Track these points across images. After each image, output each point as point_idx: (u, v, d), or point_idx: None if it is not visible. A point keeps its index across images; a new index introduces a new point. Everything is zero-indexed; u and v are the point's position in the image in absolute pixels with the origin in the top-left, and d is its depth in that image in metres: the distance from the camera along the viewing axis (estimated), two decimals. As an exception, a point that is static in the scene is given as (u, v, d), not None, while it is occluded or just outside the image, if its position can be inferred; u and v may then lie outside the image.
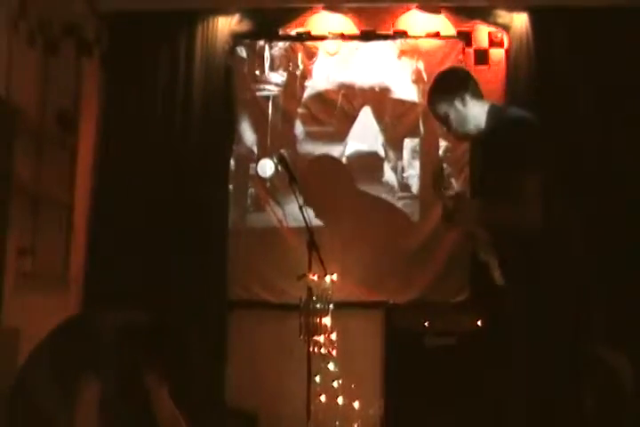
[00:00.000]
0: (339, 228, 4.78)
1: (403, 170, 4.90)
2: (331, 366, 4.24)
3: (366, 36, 4.96)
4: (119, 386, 2.48)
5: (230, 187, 4.90)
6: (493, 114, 3.03)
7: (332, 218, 4.81)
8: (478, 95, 3.09)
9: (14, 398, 2.47)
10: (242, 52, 5.01)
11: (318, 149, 4.94)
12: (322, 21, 4.98)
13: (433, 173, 3.16)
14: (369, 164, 4.92)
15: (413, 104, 4.92)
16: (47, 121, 4.14)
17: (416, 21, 4.94)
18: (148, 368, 2.57)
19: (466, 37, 4.90)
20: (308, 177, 4.72)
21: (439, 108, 3.08)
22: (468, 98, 3.04)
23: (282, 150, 4.79)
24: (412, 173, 4.91)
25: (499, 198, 2.84)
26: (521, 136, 2.87)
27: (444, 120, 3.10)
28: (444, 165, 3.14)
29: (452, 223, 3.12)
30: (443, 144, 4.87)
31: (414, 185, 4.90)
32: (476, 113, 3.04)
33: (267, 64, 5.00)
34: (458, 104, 3.03)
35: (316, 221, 4.35)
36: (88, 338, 2.53)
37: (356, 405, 4.33)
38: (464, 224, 3.07)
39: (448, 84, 3.11)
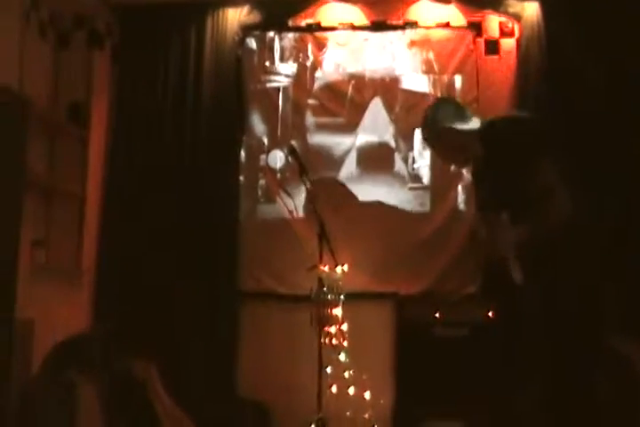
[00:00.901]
0: (350, 219, 4.77)
1: (414, 160, 4.88)
2: (342, 357, 4.22)
3: (376, 26, 4.96)
4: (113, 385, 2.60)
5: (241, 178, 4.92)
6: (484, 126, 3.00)
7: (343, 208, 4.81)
8: (468, 119, 3.04)
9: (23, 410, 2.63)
10: (252, 43, 5.03)
11: (329, 139, 4.93)
12: (332, 12, 4.98)
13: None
14: (379, 154, 4.91)
15: (424, 95, 4.90)
16: (59, 113, 4.18)
17: (426, 11, 4.93)
18: (133, 361, 2.71)
19: (476, 27, 4.89)
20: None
21: (430, 139, 3.11)
22: (457, 125, 3.01)
23: (292, 141, 4.79)
24: (423, 163, 4.89)
25: (514, 203, 2.82)
26: (515, 136, 2.86)
27: (437, 149, 3.15)
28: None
29: (494, 257, 3.03)
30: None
31: (425, 176, 4.89)
32: (468, 135, 3.00)
33: (277, 55, 5.02)
34: (452, 134, 3.01)
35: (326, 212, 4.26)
36: (77, 346, 2.69)
37: (367, 395, 4.31)
38: (507, 252, 2.94)
39: (437, 116, 3.06)
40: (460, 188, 4.82)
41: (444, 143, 3.07)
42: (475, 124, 3.03)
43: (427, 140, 3.17)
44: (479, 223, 3.03)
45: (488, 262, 4.38)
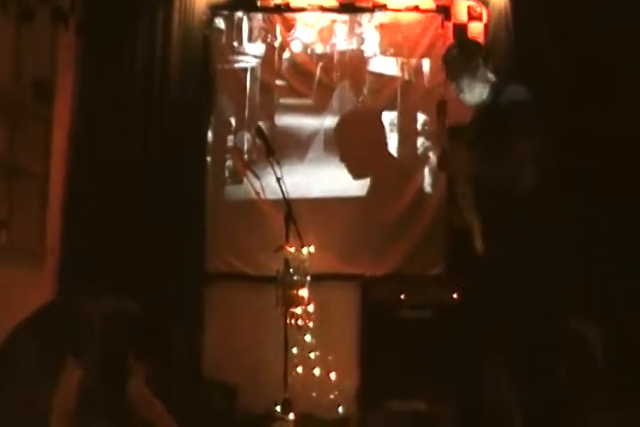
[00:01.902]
0: (316, 201, 4.81)
1: (381, 143, 4.91)
2: (307, 338, 4.24)
3: (345, 8, 4.95)
4: (101, 371, 2.56)
5: (208, 159, 4.89)
6: (497, 89, 2.99)
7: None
8: (490, 69, 3.07)
9: None
10: (220, 23, 4.98)
11: (297, 121, 4.91)
12: (301, -7, 4.93)
13: (437, 107, 3.09)
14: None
15: (392, 77, 4.93)
16: (22, 92, 4.07)
17: (395, -6, 4.90)
18: (133, 355, 2.69)
19: (445, 11, 4.91)
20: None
21: (455, 66, 3.03)
22: (482, 66, 3.01)
23: (260, 122, 4.76)
24: (390, 146, 4.91)
25: (494, 156, 2.83)
26: (519, 113, 2.85)
27: (456, 78, 3.03)
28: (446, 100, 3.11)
29: (446, 170, 3.17)
30: (421, 117, 4.88)
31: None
32: (483, 83, 3.01)
33: (245, 36, 4.97)
34: (473, 67, 3.00)
35: (293, 194, 4.27)
36: (73, 324, 2.61)
37: (333, 376, 4.36)
38: (457, 172, 3.06)
39: (471, 48, 3.10)
40: (426, 171, 4.86)
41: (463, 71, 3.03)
42: (489, 76, 3.04)
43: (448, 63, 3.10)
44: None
45: (453, 242, 4.56)
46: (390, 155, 4.93)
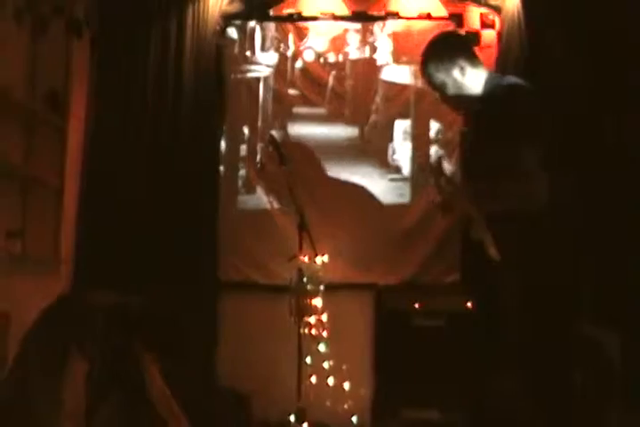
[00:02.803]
0: (330, 210, 4.78)
1: (394, 152, 4.89)
2: (321, 348, 4.23)
3: (357, 16, 4.94)
4: (107, 366, 2.41)
5: (221, 168, 4.89)
6: (491, 83, 2.85)
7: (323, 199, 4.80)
8: (477, 63, 2.89)
9: (11, 374, 2.48)
10: (232, 33, 5.00)
11: (309, 130, 4.93)
12: (313, 2, 4.97)
13: (430, 168, 3.05)
14: (360, 145, 4.93)
15: (404, 86, 4.91)
16: (36, 102, 4.09)
17: (408, 2, 4.92)
18: (142, 349, 2.60)
19: (457, 19, 4.88)
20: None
21: (435, 77, 2.86)
22: (467, 66, 2.84)
23: (273, 131, 4.77)
24: (403, 154, 4.89)
25: (496, 176, 2.71)
26: (518, 106, 2.70)
27: (440, 89, 2.88)
28: (441, 157, 3.05)
29: (450, 213, 3.04)
30: (434, 126, 4.86)
31: (405, 167, 4.89)
32: (473, 82, 2.85)
33: (257, 45, 4.99)
34: (456, 73, 2.83)
35: (306, 203, 4.23)
36: (76, 316, 2.49)
37: (347, 386, 4.34)
38: (462, 212, 2.93)
39: (446, 51, 2.88)
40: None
41: (443, 84, 2.87)
42: (480, 74, 2.87)
43: (427, 75, 2.92)
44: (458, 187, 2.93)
45: (468, 250, 4.48)
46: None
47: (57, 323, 2.40)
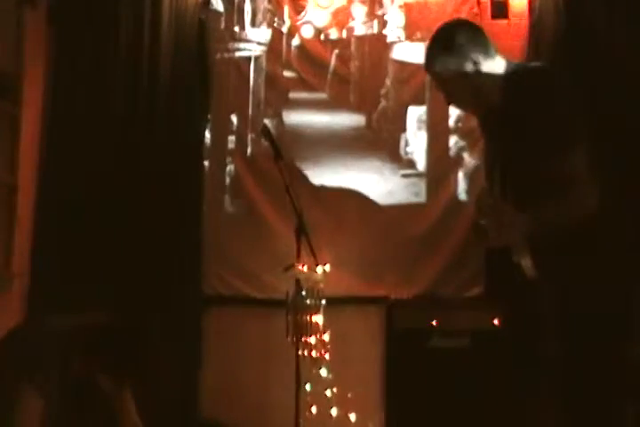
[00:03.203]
0: (332, 212, 4.57)
1: (407, 143, 4.66)
2: (323, 372, 3.98)
3: (365, -15, 4.77)
4: (67, 396, 2.40)
5: (205, 164, 4.69)
6: (512, 76, 2.57)
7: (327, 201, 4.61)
8: (492, 55, 2.60)
9: None
10: (218, 4, 4.77)
11: (308, 118, 4.73)
12: (312, -31, 4.77)
13: (476, 201, 2.70)
14: (367, 136, 4.70)
15: (418, 66, 4.51)
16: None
17: (423, -32, 4.73)
18: (103, 372, 2.46)
19: (481, -14, 4.63)
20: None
21: (443, 73, 2.60)
22: (480, 60, 2.56)
23: (265, 121, 4.61)
24: (418, 146, 4.64)
25: (537, 191, 2.44)
26: (547, 94, 2.45)
27: (449, 88, 2.62)
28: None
29: (490, 242, 2.70)
30: (453, 113, 4.58)
31: (420, 160, 4.65)
32: (489, 79, 2.57)
33: (247, 19, 4.78)
34: (468, 68, 2.55)
35: (305, 204, 3.94)
36: (28, 346, 2.44)
37: (353, 417, 4.14)
38: (508, 241, 2.66)
39: (455, 44, 2.59)
40: (460, 175, 4.59)
41: (454, 81, 2.57)
42: (499, 64, 2.57)
43: (434, 74, 2.66)
44: (481, 204, 2.64)
45: (493, 258, 4.24)
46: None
47: (7, 356, 2.40)
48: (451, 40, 2.59)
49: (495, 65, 2.58)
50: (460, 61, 2.55)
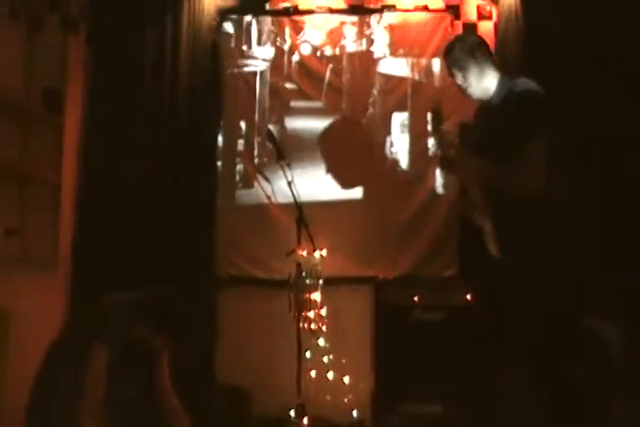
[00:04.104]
0: (328, 204, 4.78)
1: (391, 144, 4.87)
2: (321, 342, 4.25)
3: (354, 9, 4.93)
4: (124, 353, 2.70)
5: (218, 163, 4.88)
6: (503, 84, 2.96)
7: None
8: (493, 63, 3.04)
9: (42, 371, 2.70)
10: (228, 27, 4.98)
11: (307, 124, 4.90)
12: (309, -5, 4.94)
13: (431, 114, 3.08)
14: (357, 139, 4.90)
15: (402, 78, 4.88)
16: (32, 100, 4.10)
17: (404, -6, 4.89)
18: (152, 335, 2.79)
19: (454, 10, 4.86)
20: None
21: (460, 58, 3.00)
22: (487, 57, 3.00)
23: (270, 126, 4.78)
24: (401, 147, 4.87)
25: (500, 159, 2.79)
26: (529, 108, 2.81)
27: (462, 70, 3.00)
28: (439, 102, 3.10)
29: (449, 170, 3.10)
30: (432, 118, 4.84)
31: (403, 159, 4.87)
32: (490, 75, 2.99)
33: (254, 39, 4.97)
34: (479, 57, 2.98)
35: (304, 197, 4.22)
36: (95, 319, 2.77)
37: (347, 380, 4.35)
38: (461, 172, 3.02)
39: (472, 40, 3.09)
40: (437, 171, 4.77)
41: (465, 68, 3.00)
42: (494, 74, 2.99)
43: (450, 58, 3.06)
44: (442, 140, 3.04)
45: (466, 243, 4.53)
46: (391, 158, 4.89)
47: (81, 327, 2.78)
48: (467, 41, 3.07)
49: (493, 71, 2.98)
50: (472, 54, 2.97)
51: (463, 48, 3.00)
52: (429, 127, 3.11)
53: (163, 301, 2.91)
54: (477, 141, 2.94)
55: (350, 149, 4.88)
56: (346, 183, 4.86)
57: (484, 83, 2.98)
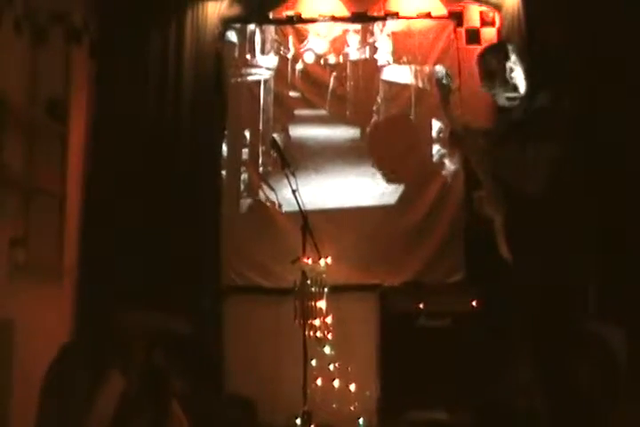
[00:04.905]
0: (332, 212, 4.80)
1: (397, 151, 4.87)
2: (327, 350, 4.25)
3: (357, 17, 4.98)
4: (144, 384, 2.61)
5: (223, 172, 4.91)
6: (528, 95, 2.99)
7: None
8: (524, 71, 3.06)
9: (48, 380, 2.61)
10: (232, 36, 5.03)
11: (311, 132, 4.93)
12: (312, 4, 5.00)
13: (439, 81, 3.06)
14: (362, 146, 4.93)
15: (405, 85, 4.91)
16: (37, 111, 4.12)
17: (407, 2, 4.96)
18: (176, 376, 2.74)
19: (457, 17, 4.90)
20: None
21: (495, 59, 3.02)
22: (518, 65, 3.01)
23: (274, 134, 4.79)
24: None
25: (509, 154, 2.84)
26: (546, 120, 2.84)
27: (491, 75, 3.02)
28: (448, 76, 3.07)
29: (457, 146, 3.12)
30: (435, 125, 4.85)
31: (407, 166, 4.88)
32: (517, 82, 3.00)
33: (257, 48, 5.01)
34: (514, 61, 3.01)
35: (309, 205, 4.25)
36: (115, 340, 2.69)
37: (353, 387, 4.35)
38: (468, 150, 3.03)
39: (508, 47, 3.09)
40: (441, 182, 4.83)
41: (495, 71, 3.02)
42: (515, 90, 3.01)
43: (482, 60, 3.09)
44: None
45: (471, 251, 4.55)
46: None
47: (99, 341, 2.66)
48: (506, 45, 3.11)
49: (522, 77, 3.00)
50: (506, 56, 2.98)
51: (499, 52, 3.03)
52: (439, 94, 3.05)
53: (190, 337, 2.95)
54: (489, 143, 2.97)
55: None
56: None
57: (518, 84, 2.99)
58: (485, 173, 2.96)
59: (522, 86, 3.00)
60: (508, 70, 2.98)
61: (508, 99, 3.00)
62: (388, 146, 4.89)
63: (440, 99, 3.05)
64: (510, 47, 3.08)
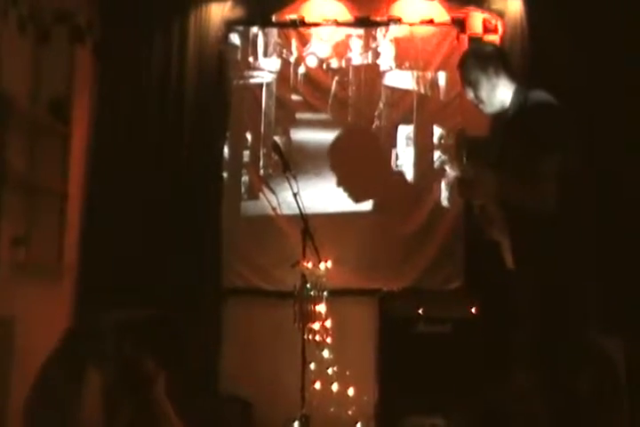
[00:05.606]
0: (333, 216, 4.79)
1: (397, 157, 4.88)
2: (325, 354, 4.23)
3: (360, 22, 4.96)
4: (119, 375, 2.60)
5: (224, 175, 4.90)
6: (519, 95, 2.93)
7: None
8: (511, 72, 2.99)
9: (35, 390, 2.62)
10: (235, 39, 5.01)
11: (312, 135, 4.93)
12: (315, 8, 4.98)
13: (455, 142, 3.07)
14: (363, 151, 4.92)
15: (407, 91, 4.91)
16: (40, 110, 4.12)
17: (410, 8, 4.94)
18: (146, 358, 2.67)
19: (460, 24, 4.89)
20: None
21: (471, 73, 2.96)
22: (501, 70, 2.94)
23: (275, 138, 4.79)
24: (407, 160, 4.89)
25: (516, 176, 2.77)
26: (544, 120, 2.79)
27: (473, 86, 2.96)
28: (463, 130, 3.03)
29: (468, 197, 3.08)
30: (437, 131, 4.86)
31: (409, 172, 4.89)
32: (504, 89, 2.94)
33: (260, 51, 5.00)
34: (491, 73, 2.92)
35: (310, 209, 4.22)
36: (91, 336, 2.69)
37: (351, 391, 4.33)
38: (480, 199, 2.98)
39: (486, 52, 3.02)
40: (443, 184, 4.83)
41: (477, 81, 2.96)
42: (510, 84, 2.96)
43: (463, 70, 3.03)
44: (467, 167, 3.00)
45: (471, 257, 4.55)
46: (397, 171, 4.90)
47: (77, 341, 2.68)
48: (482, 50, 3.06)
49: (509, 81, 2.93)
50: (486, 65, 2.91)
51: (475, 64, 2.96)
52: (453, 152, 3.06)
53: (158, 321, 2.84)
54: (495, 155, 2.93)
55: (360, 161, 4.89)
56: (358, 198, 4.87)
57: (498, 97, 2.94)
58: (496, 205, 2.92)
59: (504, 100, 2.95)
60: (487, 85, 2.93)
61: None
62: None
63: (455, 155, 3.08)
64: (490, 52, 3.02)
